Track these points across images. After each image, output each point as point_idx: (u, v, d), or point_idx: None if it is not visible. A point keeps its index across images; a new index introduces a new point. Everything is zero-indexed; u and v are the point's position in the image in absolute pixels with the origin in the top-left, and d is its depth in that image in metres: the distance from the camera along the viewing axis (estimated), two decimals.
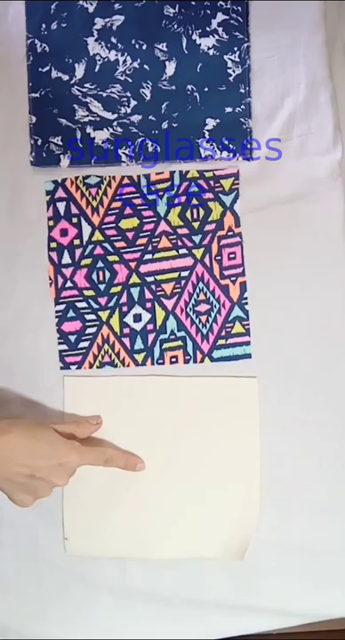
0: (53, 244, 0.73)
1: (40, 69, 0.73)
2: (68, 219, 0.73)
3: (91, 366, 0.72)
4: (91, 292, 0.72)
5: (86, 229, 0.73)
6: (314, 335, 0.71)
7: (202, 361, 0.72)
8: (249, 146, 0.72)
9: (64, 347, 0.72)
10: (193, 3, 0.72)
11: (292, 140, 0.72)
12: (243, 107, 0.72)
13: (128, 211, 0.72)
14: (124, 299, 0.72)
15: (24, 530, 0.72)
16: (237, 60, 0.72)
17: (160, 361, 0.72)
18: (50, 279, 0.73)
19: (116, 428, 0.72)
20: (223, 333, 0.72)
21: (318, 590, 0.71)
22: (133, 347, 0.72)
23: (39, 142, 0.73)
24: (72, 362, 0.72)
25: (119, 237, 0.72)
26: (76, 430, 0.68)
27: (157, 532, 0.71)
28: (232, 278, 0.72)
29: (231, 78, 0.72)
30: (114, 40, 0.73)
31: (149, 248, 0.72)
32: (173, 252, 0.72)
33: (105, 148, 0.73)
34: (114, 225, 0.72)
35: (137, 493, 0.71)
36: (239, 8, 0.72)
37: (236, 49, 0.72)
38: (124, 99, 0.73)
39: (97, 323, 0.72)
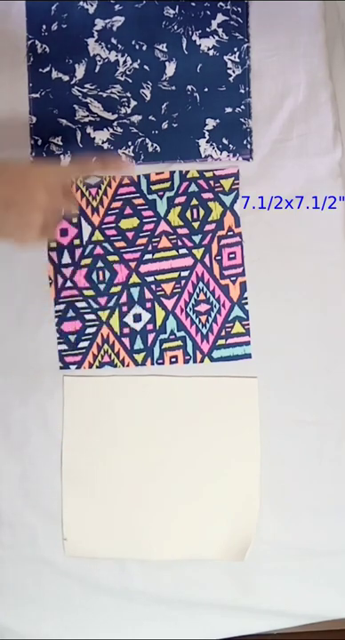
0: (53, 244, 0.73)
1: (40, 70, 0.73)
2: (68, 219, 0.73)
3: (90, 366, 0.72)
4: (91, 292, 0.72)
5: (86, 229, 0.73)
6: (314, 335, 0.71)
7: (202, 361, 0.72)
8: (249, 146, 0.72)
9: (64, 346, 0.72)
10: (193, 4, 0.73)
11: (292, 140, 0.72)
12: (243, 107, 0.72)
13: (128, 211, 0.72)
14: (123, 299, 0.72)
15: (23, 530, 0.72)
16: (237, 60, 0.72)
17: (160, 361, 0.72)
18: (50, 279, 0.73)
19: (115, 429, 0.72)
20: (223, 333, 0.72)
21: (318, 590, 0.71)
22: (133, 347, 0.72)
23: (39, 142, 0.73)
24: (72, 362, 0.72)
25: (119, 237, 0.72)
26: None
27: (157, 532, 0.71)
28: (232, 278, 0.72)
29: (231, 79, 0.72)
30: (114, 41, 0.73)
31: (149, 248, 0.72)
32: (173, 252, 0.72)
33: (105, 148, 0.73)
34: (114, 225, 0.72)
35: (136, 494, 0.71)
36: (239, 9, 0.73)
37: (235, 49, 0.72)
38: (125, 99, 0.73)
39: (97, 322, 0.72)
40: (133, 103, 0.73)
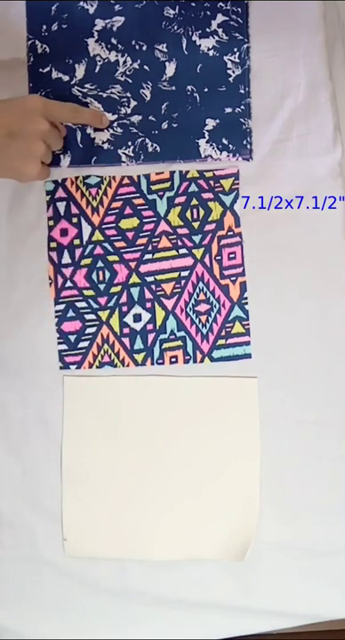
0: (53, 244, 0.73)
1: (40, 70, 0.73)
2: (68, 219, 0.73)
3: (90, 366, 0.72)
4: (90, 292, 0.72)
5: (86, 229, 0.73)
6: (314, 335, 0.71)
7: (202, 361, 0.72)
8: (249, 146, 0.72)
9: (64, 346, 0.72)
10: (193, 4, 0.73)
11: (292, 140, 0.72)
12: (242, 107, 0.72)
13: (128, 211, 0.73)
14: (123, 298, 0.72)
15: (23, 531, 0.72)
16: (237, 60, 0.72)
17: (160, 361, 0.72)
18: (50, 279, 0.73)
19: (115, 429, 0.72)
20: (223, 333, 0.72)
21: (319, 590, 0.71)
22: (133, 347, 0.72)
23: None
24: (72, 362, 0.72)
25: (119, 237, 0.72)
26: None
27: (157, 532, 0.71)
28: (232, 278, 0.72)
29: (231, 79, 0.73)
30: (114, 41, 0.73)
31: (149, 248, 0.72)
32: (173, 252, 0.72)
33: (105, 148, 0.73)
34: (114, 225, 0.73)
35: (136, 494, 0.71)
36: (239, 9, 0.73)
37: (235, 50, 0.72)
38: (125, 99, 0.73)
39: (97, 322, 0.72)
40: (133, 103, 0.73)
